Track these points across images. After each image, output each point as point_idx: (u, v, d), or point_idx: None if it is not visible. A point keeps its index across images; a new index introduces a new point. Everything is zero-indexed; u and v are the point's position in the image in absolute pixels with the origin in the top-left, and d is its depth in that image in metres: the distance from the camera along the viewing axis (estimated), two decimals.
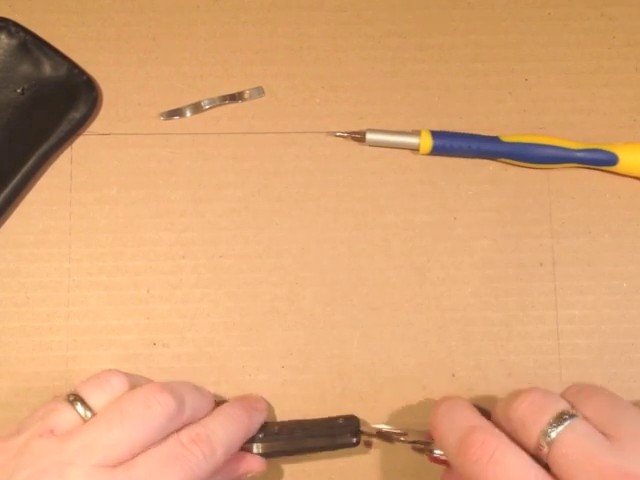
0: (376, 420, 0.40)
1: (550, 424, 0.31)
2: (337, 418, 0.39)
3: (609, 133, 0.43)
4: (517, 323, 0.42)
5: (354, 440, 0.38)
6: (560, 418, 0.31)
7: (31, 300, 0.41)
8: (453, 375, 0.41)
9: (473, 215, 0.43)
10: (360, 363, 0.41)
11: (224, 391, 0.41)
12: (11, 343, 0.41)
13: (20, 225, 0.42)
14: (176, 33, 0.44)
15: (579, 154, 0.42)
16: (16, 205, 0.42)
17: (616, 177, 0.43)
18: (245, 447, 0.37)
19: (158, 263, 0.42)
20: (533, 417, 0.32)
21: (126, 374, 0.35)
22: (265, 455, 0.38)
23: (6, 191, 0.41)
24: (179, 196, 0.42)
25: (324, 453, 0.39)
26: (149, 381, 0.38)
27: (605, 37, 0.44)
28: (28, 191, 0.42)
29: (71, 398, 0.32)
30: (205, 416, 0.36)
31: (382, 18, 0.44)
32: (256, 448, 0.38)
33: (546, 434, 0.31)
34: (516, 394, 0.34)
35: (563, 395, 0.34)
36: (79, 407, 0.32)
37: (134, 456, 0.31)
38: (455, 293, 0.42)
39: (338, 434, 0.38)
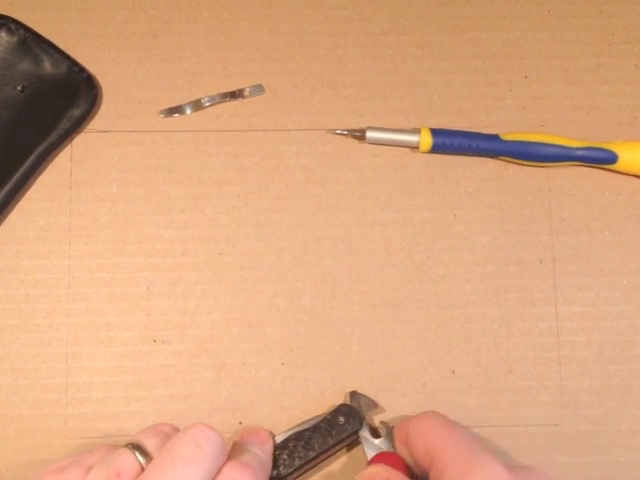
0: (376, 417, 0.40)
1: None
2: (337, 416, 0.39)
3: (609, 130, 0.43)
4: (517, 320, 0.42)
5: (360, 432, 0.39)
6: None
7: (31, 297, 0.41)
8: (453, 372, 0.41)
9: (473, 212, 0.43)
10: (360, 360, 0.41)
11: (224, 388, 0.41)
12: (11, 340, 0.41)
13: (20, 222, 0.42)
14: (176, 30, 0.44)
15: (579, 152, 0.42)
16: (16, 202, 0.42)
17: (615, 175, 0.43)
18: None
19: (158, 260, 0.42)
20: None
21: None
22: None
23: (6, 188, 0.41)
24: (179, 193, 0.42)
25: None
26: None
27: (605, 34, 0.45)
28: (28, 188, 0.42)
29: (130, 446, 0.33)
30: None
31: (382, 15, 0.44)
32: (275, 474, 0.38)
33: None
34: None
35: None
36: (137, 454, 0.33)
37: None
38: (455, 290, 0.42)
39: (346, 437, 0.38)
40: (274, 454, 0.38)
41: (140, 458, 0.32)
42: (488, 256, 0.42)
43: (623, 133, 0.44)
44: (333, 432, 0.38)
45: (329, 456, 0.39)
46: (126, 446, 0.33)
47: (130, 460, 0.32)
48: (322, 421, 0.38)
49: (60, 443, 0.40)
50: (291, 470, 0.37)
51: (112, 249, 0.42)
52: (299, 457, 0.38)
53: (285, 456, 0.38)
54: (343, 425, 0.38)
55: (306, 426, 0.38)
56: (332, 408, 0.39)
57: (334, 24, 0.44)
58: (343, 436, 0.38)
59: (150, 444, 0.33)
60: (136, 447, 0.33)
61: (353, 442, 0.39)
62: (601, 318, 0.42)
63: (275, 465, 0.37)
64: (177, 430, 0.35)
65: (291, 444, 0.38)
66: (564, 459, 0.41)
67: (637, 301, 0.42)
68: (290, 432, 0.38)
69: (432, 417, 0.36)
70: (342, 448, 0.40)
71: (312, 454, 0.37)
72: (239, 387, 0.41)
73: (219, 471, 0.33)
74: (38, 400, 0.40)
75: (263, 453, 0.37)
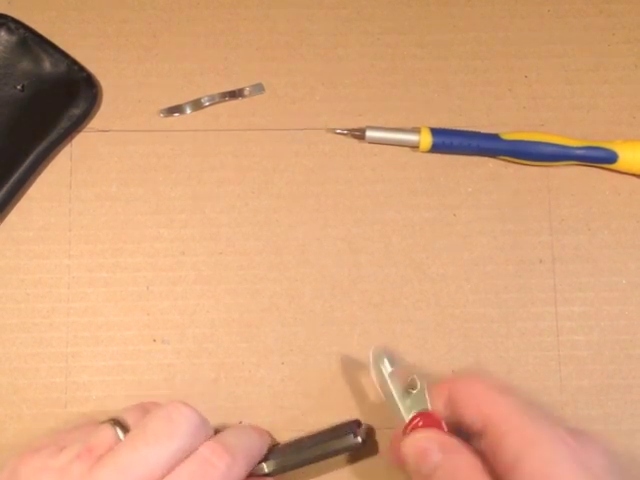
0: (376, 417, 0.40)
1: None
2: (341, 425, 0.38)
3: (608, 130, 0.43)
4: (516, 320, 0.42)
5: (359, 440, 0.37)
6: None
7: (31, 296, 0.41)
8: (453, 371, 0.41)
9: (473, 212, 0.43)
10: (360, 359, 0.41)
11: (224, 388, 0.41)
12: (11, 339, 0.41)
13: (20, 221, 0.42)
14: (176, 30, 0.44)
15: (579, 152, 0.42)
16: (16, 201, 0.42)
17: (615, 174, 0.43)
18: (254, 469, 0.36)
19: (158, 260, 0.42)
20: None
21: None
22: (275, 472, 0.37)
23: (6, 187, 0.41)
24: (179, 193, 0.42)
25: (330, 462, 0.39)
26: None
27: (604, 34, 0.45)
28: (28, 187, 0.42)
29: (110, 422, 0.33)
30: None
31: (381, 15, 0.44)
32: (265, 467, 0.37)
33: None
34: None
35: None
36: (117, 428, 0.33)
37: (162, 476, 0.31)
38: (454, 290, 0.42)
39: (343, 436, 0.37)
40: (274, 447, 0.37)
41: (120, 433, 0.32)
42: (488, 256, 0.42)
43: (623, 132, 0.43)
44: (332, 432, 0.38)
45: (325, 457, 0.38)
46: (107, 422, 0.33)
47: (106, 434, 0.32)
48: (328, 428, 0.38)
49: None
50: (280, 454, 0.37)
51: (112, 248, 0.42)
52: (293, 445, 0.37)
53: (280, 445, 0.38)
54: (345, 428, 0.37)
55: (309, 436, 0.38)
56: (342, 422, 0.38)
57: (334, 23, 0.44)
58: (340, 434, 0.37)
59: (130, 420, 0.33)
60: (116, 422, 0.33)
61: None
62: (601, 318, 0.42)
63: (268, 450, 0.37)
64: None
65: (291, 441, 0.38)
66: None
67: (637, 301, 0.42)
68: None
69: (481, 380, 0.34)
70: (341, 452, 0.38)
71: (307, 442, 0.37)
72: (238, 386, 0.41)
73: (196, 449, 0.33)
74: (38, 399, 0.40)
75: (254, 443, 0.36)
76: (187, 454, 0.32)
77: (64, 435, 0.34)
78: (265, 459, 0.37)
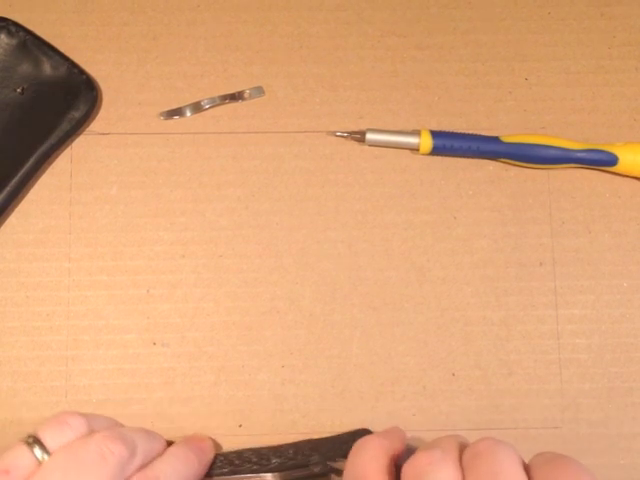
0: (376, 420, 0.40)
1: None
2: (351, 439, 0.37)
3: (609, 132, 0.43)
4: (517, 323, 0.42)
5: None
6: None
7: (31, 299, 0.41)
8: (453, 374, 0.41)
9: (473, 215, 0.43)
10: (360, 363, 0.41)
11: (224, 391, 0.41)
12: (11, 343, 0.41)
13: (20, 224, 0.42)
14: (176, 33, 0.44)
15: (579, 154, 0.42)
16: (16, 204, 0.42)
17: (616, 177, 0.43)
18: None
19: (158, 263, 0.42)
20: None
21: (85, 415, 0.35)
22: None
23: (6, 190, 0.41)
24: (179, 195, 0.42)
25: None
26: (109, 421, 0.38)
27: (605, 37, 0.44)
28: (28, 190, 0.42)
29: (30, 440, 0.33)
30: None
31: (382, 18, 0.44)
32: (271, 478, 0.37)
33: None
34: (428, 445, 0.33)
35: (470, 456, 0.32)
36: (36, 449, 0.32)
37: None
38: (455, 293, 0.42)
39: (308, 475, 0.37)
40: (283, 453, 0.37)
41: (37, 453, 0.32)
42: (488, 258, 0.42)
43: (623, 135, 0.43)
44: (339, 443, 0.37)
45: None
46: (25, 439, 0.33)
47: (24, 456, 0.32)
48: (335, 436, 0.38)
49: None
50: (288, 464, 0.37)
51: (112, 252, 0.42)
52: (301, 452, 0.37)
53: (290, 451, 0.37)
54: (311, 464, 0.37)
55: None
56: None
57: (334, 26, 0.44)
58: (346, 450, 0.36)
59: (51, 440, 0.33)
60: (36, 441, 0.32)
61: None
62: (602, 321, 0.42)
63: (278, 457, 0.37)
64: (85, 422, 0.34)
65: (300, 442, 0.38)
66: None
67: (638, 303, 0.42)
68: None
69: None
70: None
71: (315, 456, 0.37)
72: (239, 390, 0.41)
73: None
74: (38, 403, 0.40)
75: (194, 455, 0.36)
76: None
77: None
78: (271, 470, 0.37)
